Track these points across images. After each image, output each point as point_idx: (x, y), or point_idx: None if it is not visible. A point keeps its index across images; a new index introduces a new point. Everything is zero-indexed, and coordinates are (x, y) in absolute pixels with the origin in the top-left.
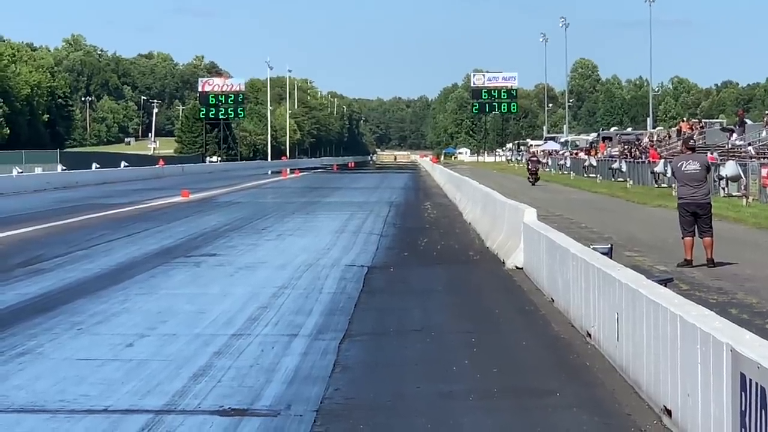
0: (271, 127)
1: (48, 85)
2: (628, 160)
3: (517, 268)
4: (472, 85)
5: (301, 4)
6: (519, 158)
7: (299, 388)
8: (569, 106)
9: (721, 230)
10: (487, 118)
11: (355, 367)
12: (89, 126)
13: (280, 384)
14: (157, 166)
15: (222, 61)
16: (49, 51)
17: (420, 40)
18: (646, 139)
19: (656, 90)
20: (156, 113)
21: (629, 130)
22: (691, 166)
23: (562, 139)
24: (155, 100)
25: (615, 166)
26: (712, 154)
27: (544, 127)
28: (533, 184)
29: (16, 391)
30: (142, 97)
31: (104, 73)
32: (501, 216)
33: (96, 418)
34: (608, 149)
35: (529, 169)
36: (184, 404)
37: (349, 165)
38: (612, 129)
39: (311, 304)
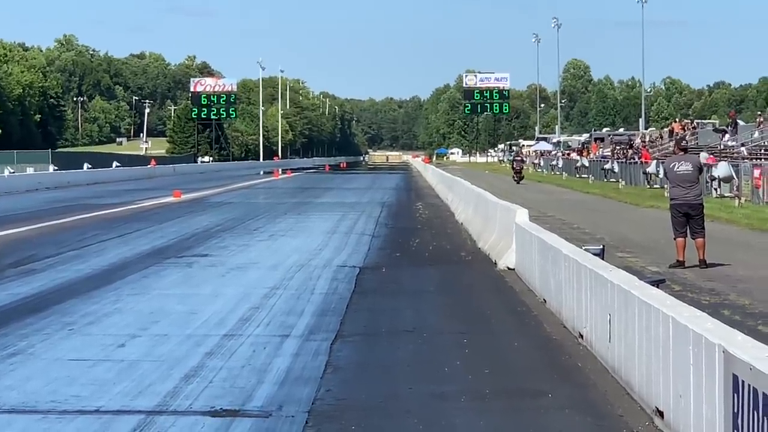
0: (263, 127)
1: (40, 85)
2: (620, 160)
3: (509, 268)
4: (464, 85)
5: (293, 5)
6: (511, 159)
7: (291, 389)
8: (561, 106)
9: (714, 231)
10: (479, 118)
11: (346, 368)
12: (81, 126)
13: (271, 385)
14: (148, 166)
15: (214, 62)
16: (41, 51)
17: (412, 41)
18: (638, 140)
19: (648, 90)
20: (148, 113)
21: (621, 130)
22: (683, 167)
23: (554, 140)
24: (147, 100)
25: (607, 166)
26: (711, 155)
27: (536, 128)
28: (518, 183)
29: (8, 392)
30: (134, 97)
31: (96, 73)
32: (493, 217)
33: (87, 419)
34: (600, 150)
35: (513, 168)
36: (175, 405)
37: (341, 165)
38: (604, 129)
39: (303, 305)
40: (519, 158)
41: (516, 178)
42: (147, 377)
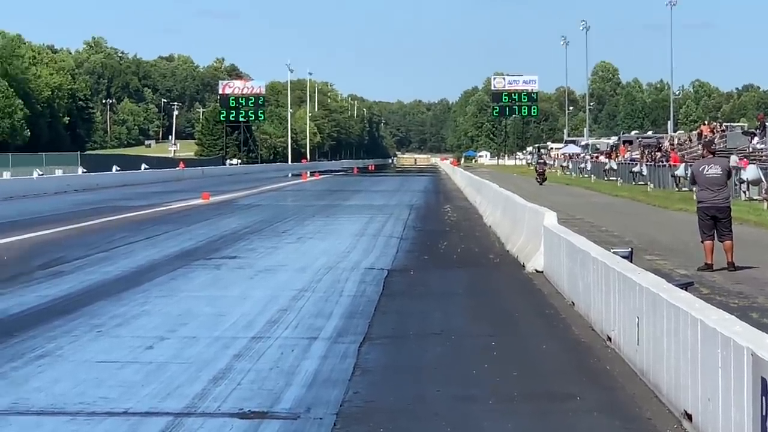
0: (291, 129)
1: (69, 87)
2: (648, 163)
3: (537, 271)
4: (492, 88)
5: (321, 7)
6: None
7: (319, 391)
8: (590, 109)
9: (742, 234)
10: (508, 121)
11: (375, 371)
12: (110, 128)
13: (299, 387)
14: (177, 168)
15: (242, 64)
16: (70, 53)
17: (440, 43)
18: (666, 143)
19: (677, 93)
20: (176, 115)
21: (650, 133)
22: (713, 170)
23: (583, 143)
24: (176, 103)
25: (636, 169)
26: (744, 158)
27: (565, 131)
28: (540, 184)
29: (36, 394)
30: (163, 100)
31: (125, 75)
32: (521, 219)
33: (116, 421)
34: (629, 153)
35: (537, 171)
36: (203, 407)
37: (370, 168)
38: (632, 132)
39: (331, 307)
40: (542, 161)
41: (539, 180)
42: (175, 379)
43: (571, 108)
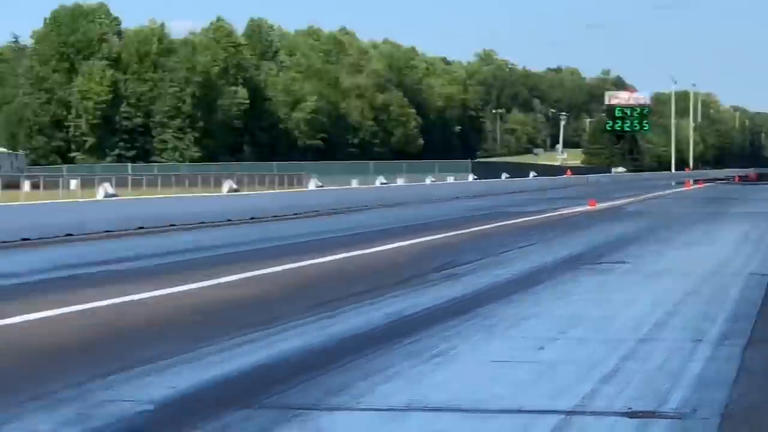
0: (675, 139)
1: (460, 97)
2: None
3: None
4: None
5: (709, 21)
6: None
7: (704, 392)
8: None
9: None
10: None
11: (759, 373)
12: (499, 137)
13: (685, 388)
14: (564, 176)
15: (627, 75)
16: (462, 65)
17: None
18: None
19: None
20: (564, 125)
21: None
22: None
23: None
24: (563, 113)
25: None
26: None
27: None
28: None
29: (432, 391)
30: (551, 110)
31: (514, 86)
32: None
33: (508, 418)
34: None
35: None
36: (593, 406)
37: (750, 176)
38: None
39: (715, 311)
40: None
41: None
42: (565, 379)
43: None
